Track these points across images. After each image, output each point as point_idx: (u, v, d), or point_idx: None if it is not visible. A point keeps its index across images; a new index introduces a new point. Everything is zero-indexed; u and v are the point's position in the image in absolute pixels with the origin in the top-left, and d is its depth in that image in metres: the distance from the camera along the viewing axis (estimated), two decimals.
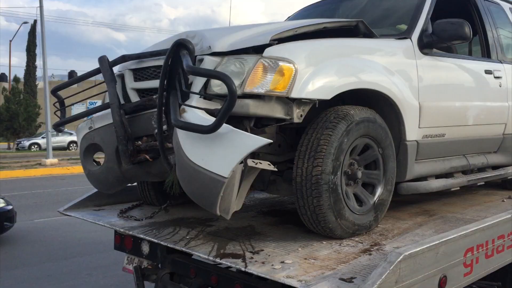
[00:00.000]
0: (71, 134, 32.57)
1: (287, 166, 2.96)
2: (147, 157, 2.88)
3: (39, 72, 42.42)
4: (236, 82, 2.47)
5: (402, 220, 3.15)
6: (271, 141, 2.29)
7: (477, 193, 4.19)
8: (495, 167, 4.06)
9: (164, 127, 2.67)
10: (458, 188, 3.50)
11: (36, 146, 32.73)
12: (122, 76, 3.11)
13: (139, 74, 3.03)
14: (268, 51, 2.49)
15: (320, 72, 2.57)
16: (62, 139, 33.13)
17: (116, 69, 3.17)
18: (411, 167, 3.15)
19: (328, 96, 2.59)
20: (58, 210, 3.56)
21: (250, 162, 2.33)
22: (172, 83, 2.60)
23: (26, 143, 32.82)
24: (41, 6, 19.67)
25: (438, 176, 3.49)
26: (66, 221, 7.26)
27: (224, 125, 2.22)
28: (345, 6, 4.08)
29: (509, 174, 4.02)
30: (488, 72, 3.79)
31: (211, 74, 2.35)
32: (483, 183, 3.82)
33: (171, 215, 3.29)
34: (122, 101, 3.01)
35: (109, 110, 2.90)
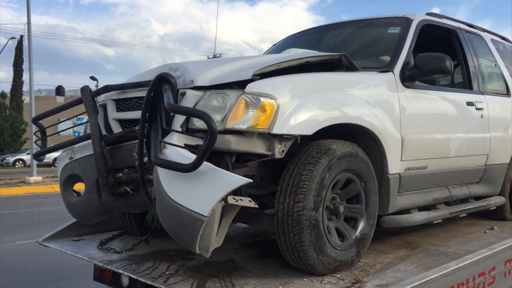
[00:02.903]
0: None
1: (269, 199, 2.95)
2: (128, 189, 2.84)
3: (26, 87, 42.12)
4: (218, 117, 2.48)
5: (384, 254, 3.13)
6: (251, 180, 2.27)
7: (460, 223, 4.20)
8: (477, 197, 4.09)
9: (145, 159, 2.65)
10: (441, 220, 3.50)
11: (21, 162, 32.33)
12: (104, 106, 3.08)
13: (121, 105, 3.02)
14: (250, 87, 2.49)
15: (302, 107, 2.57)
16: (47, 156, 32.73)
17: (100, 98, 3.15)
18: (393, 200, 3.16)
19: (310, 131, 2.59)
20: (37, 241, 3.49)
21: (230, 199, 2.31)
22: (154, 116, 2.59)
23: (11, 159, 32.41)
24: (28, 22, 19.61)
25: (420, 208, 3.50)
26: (47, 234, 7.11)
27: (205, 162, 2.20)
28: (328, 36, 4.12)
29: (491, 205, 4.04)
30: (469, 103, 3.83)
31: (191, 113, 2.34)
32: (465, 214, 3.83)
33: (151, 247, 3.24)
34: (104, 131, 2.99)
35: (90, 141, 2.87)
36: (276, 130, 2.45)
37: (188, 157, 2.25)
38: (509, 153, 4.28)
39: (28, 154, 29.08)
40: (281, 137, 2.50)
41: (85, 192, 2.98)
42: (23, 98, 43.85)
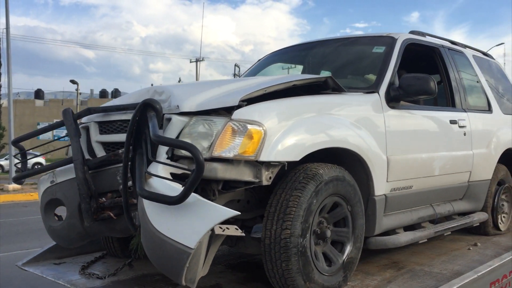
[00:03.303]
0: (36, 156, 31.65)
1: (256, 222, 2.92)
2: (111, 214, 2.78)
3: (3, 90, 41.27)
4: (205, 144, 2.44)
5: (371, 276, 3.13)
6: (239, 213, 2.24)
7: (443, 239, 4.22)
8: (460, 213, 4.12)
9: (129, 183, 2.60)
10: (426, 240, 3.52)
11: None
12: (87, 128, 3.02)
13: (104, 127, 2.96)
14: (237, 114, 2.46)
15: (289, 133, 2.56)
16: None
17: (82, 120, 3.08)
18: (379, 221, 3.16)
19: (297, 157, 2.57)
20: (17, 265, 3.40)
21: (217, 229, 2.27)
22: (138, 142, 2.53)
23: None
24: (7, 25, 19.19)
25: (406, 227, 3.51)
26: (27, 256, 6.96)
27: (191, 194, 2.16)
28: (313, 54, 4.11)
29: (474, 222, 4.08)
30: (453, 122, 3.86)
31: (178, 145, 2.30)
32: (450, 232, 3.85)
33: (135, 271, 3.18)
34: (86, 154, 2.93)
35: (72, 164, 2.81)
36: (263, 158, 2.43)
37: (175, 187, 2.21)
38: (492, 169, 4.33)
39: (6, 159, 28.39)
40: (268, 164, 2.47)
41: (67, 217, 2.91)
42: (1, 102, 43.03)
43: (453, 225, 3.80)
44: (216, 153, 2.39)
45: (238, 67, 55.75)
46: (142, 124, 2.51)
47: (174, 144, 2.33)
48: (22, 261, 3.39)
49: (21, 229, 10.00)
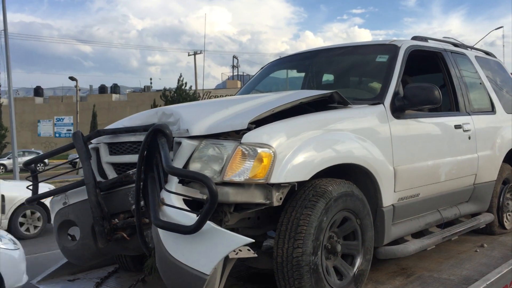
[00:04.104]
0: (38, 153, 31.79)
1: (266, 238, 2.97)
2: (125, 235, 2.83)
3: (3, 88, 41.17)
4: (215, 168, 2.48)
5: (381, 284, 3.18)
6: (253, 240, 2.28)
7: (450, 241, 4.26)
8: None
9: (141, 202, 2.64)
10: (434, 246, 3.57)
11: (1, 167, 31.77)
12: (97, 150, 3.06)
13: (114, 148, 3.00)
14: (246, 137, 2.50)
15: (298, 153, 2.59)
16: (18, 160, 32.19)
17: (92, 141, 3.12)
18: (388, 231, 3.19)
19: (306, 177, 2.61)
20: (31, 282, 3.46)
21: (231, 254, 2.31)
22: (150, 165, 2.58)
23: None
24: (5, 22, 19.08)
25: (413, 233, 3.55)
26: (31, 262, 7.02)
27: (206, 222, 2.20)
28: (316, 63, 4.12)
29: (480, 224, 4.12)
30: (457, 127, 3.88)
31: (191, 176, 2.33)
32: (457, 237, 3.89)
33: (148, 286, 3.23)
34: (97, 174, 2.96)
35: (83, 186, 2.85)
36: (273, 180, 2.46)
37: (189, 216, 2.25)
38: (497, 169, 4.37)
39: (9, 158, 28.53)
40: (278, 185, 2.51)
41: (80, 238, 2.96)
42: (1, 101, 43.01)
43: (460, 229, 3.84)
44: (227, 177, 2.43)
45: (237, 58, 55.68)
46: (152, 148, 2.55)
47: (188, 176, 2.36)
48: (37, 279, 3.44)
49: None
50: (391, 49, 3.67)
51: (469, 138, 4.00)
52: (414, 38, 4.05)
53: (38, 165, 3.39)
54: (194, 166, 2.52)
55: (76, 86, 42.23)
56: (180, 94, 34.53)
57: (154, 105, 36.14)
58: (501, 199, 4.50)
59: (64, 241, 3.08)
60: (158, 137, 2.50)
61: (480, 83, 4.51)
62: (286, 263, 2.56)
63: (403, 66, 3.54)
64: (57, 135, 50.38)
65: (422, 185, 3.48)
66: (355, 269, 2.88)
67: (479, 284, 2.89)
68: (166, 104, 32.74)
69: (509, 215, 4.68)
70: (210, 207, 2.13)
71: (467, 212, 4.12)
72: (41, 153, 33.48)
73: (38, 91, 55.05)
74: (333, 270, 2.80)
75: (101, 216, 2.78)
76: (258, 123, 2.63)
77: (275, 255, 2.61)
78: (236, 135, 2.59)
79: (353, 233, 2.92)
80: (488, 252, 3.95)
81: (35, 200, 3.11)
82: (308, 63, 4.18)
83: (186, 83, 35.79)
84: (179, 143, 2.59)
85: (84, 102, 48.47)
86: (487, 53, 5.11)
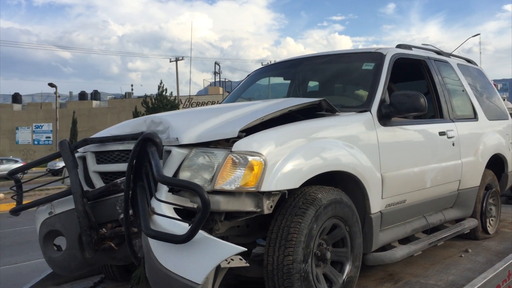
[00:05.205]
0: (16, 161, 31.27)
1: (256, 246, 2.96)
2: (113, 245, 2.79)
3: None
4: (206, 176, 2.47)
5: None
6: (246, 249, 2.28)
7: (436, 247, 4.31)
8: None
9: (130, 211, 2.62)
10: (420, 252, 3.61)
11: None
12: (83, 158, 3.02)
13: (101, 157, 2.96)
14: (237, 146, 2.49)
15: (288, 161, 2.60)
16: (7, 167, 31.65)
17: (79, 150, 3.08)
18: (376, 238, 3.22)
19: (297, 185, 2.62)
20: None
21: (223, 263, 2.30)
22: (139, 175, 2.55)
23: None
24: None
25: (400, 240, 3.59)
26: (15, 271, 6.88)
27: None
28: (303, 70, 4.15)
29: (465, 229, 4.18)
30: (442, 133, 3.95)
31: (183, 186, 2.31)
32: (442, 242, 3.94)
33: None
34: (83, 183, 2.92)
35: (70, 195, 2.81)
36: (264, 188, 2.47)
37: (180, 225, 2.23)
38: (480, 175, 4.45)
39: None
40: (269, 194, 2.52)
41: (66, 248, 2.91)
42: None
43: (445, 235, 3.90)
44: (218, 186, 2.42)
45: (219, 64, 55.69)
46: (142, 157, 2.53)
47: (180, 185, 2.34)
48: None
49: (8, 242, 9.80)
50: (377, 57, 3.72)
51: (453, 144, 4.06)
52: (399, 46, 4.11)
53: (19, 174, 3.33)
54: (184, 175, 2.51)
55: (55, 93, 41.71)
56: (161, 101, 34.42)
57: (136, 112, 35.98)
58: (484, 205, 4.58)
59: (50, 251, 3.02)
60: (147, 146, 2.48)
61: (463, 90, 4.59)
62: (276, 271, 2.56)
63: (389, 74, 3.59)
64: (36, 142, 49.62)
65: (409, 192, 3.52)
66: (344, 276, 2.89)
67: None
68: (147, 111, 32.56)
69: (492, 220, 4.77)
70: (203, 216, 2.12)
71: (451, 218, 4.18)
72: (20, 160, 32.92)
73: (16, 98, 54.19)
74: (323, 277, 2.80)
75: (88, 225, 2.74)
76: (248, 131, 2.63)
77: (265, 263, 2.61)
78: (226, 143, 2.59)
79: (342, 240, 2.93)
80: (473, 257, 4.01)
81: (20, 210, 3.05)
82: (294, 70, 4.21)
83: (166, 89, 35.75)
84: (169, 152, 2.57)
85: (63, 109, 47.91)
86: (468, 60, 5.21)
